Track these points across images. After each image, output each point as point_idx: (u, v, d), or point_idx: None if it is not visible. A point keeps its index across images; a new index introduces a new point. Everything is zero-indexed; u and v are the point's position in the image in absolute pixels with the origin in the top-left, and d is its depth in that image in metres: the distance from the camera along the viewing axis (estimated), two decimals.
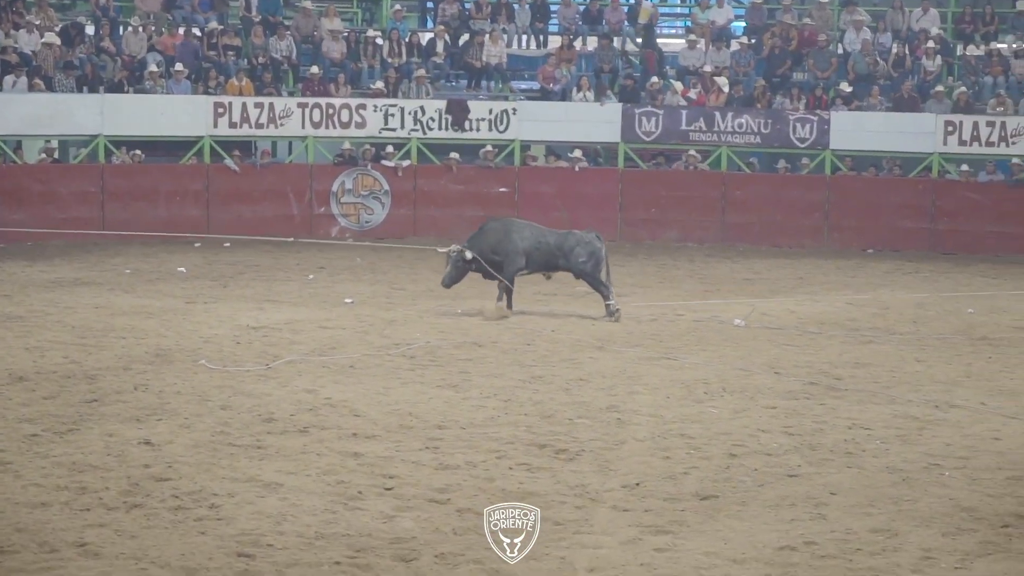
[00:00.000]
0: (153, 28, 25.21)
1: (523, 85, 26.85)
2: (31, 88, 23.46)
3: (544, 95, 25.74)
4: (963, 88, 24.95)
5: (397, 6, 26.32)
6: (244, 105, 24.33)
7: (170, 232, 23.61)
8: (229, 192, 24.35)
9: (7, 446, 10.51)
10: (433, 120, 24.94)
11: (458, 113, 24.96)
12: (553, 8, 27.11)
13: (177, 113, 24.18)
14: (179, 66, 24.38)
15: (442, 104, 25.00)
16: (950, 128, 24.42)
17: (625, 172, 25.26)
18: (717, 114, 24.92)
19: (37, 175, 23.60)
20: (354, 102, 24.81)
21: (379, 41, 25.77)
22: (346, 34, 25.97)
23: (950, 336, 16.35)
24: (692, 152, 25.06)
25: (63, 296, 17.88)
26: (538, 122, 25.15)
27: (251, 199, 24.40)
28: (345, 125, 24.80)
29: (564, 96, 25.51)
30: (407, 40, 25.87)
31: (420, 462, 10.32)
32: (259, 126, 24.51)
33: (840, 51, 26.18)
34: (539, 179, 25.21)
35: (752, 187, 25.11)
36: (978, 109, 24.77)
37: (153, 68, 24.22)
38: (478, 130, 25.03)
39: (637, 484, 9.89)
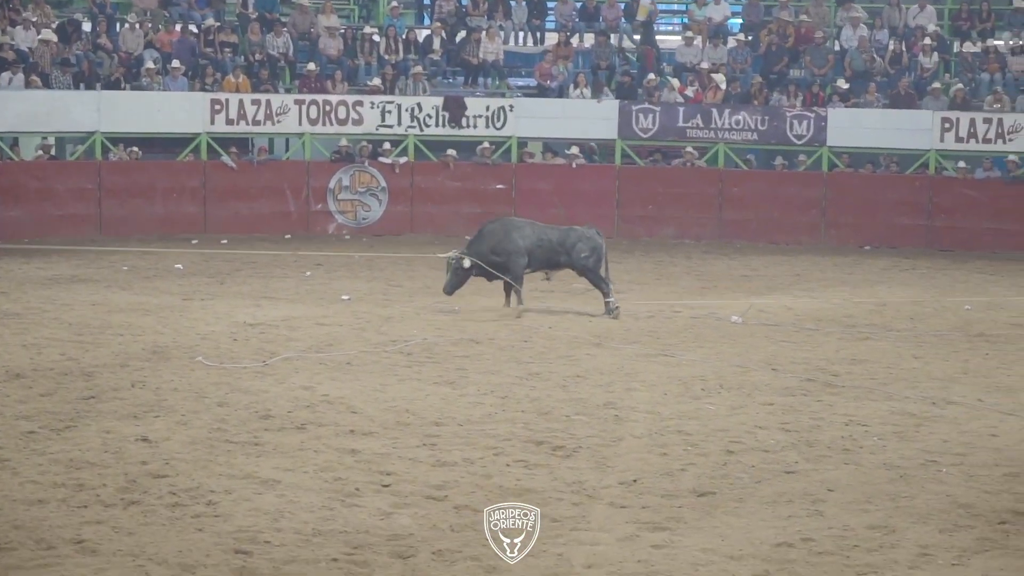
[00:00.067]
0: (150, 25, 25.18)
1: (520, 82, 26.83)
2: (28, 85, 23.43)
3: (541, 92, 25.72)
4: (960, 85, 24.95)
5: (394, 3, 26.30)
6: (241, 102, 24.32)
7: (167, 229, 23.66)
8: (226, 189, 24.35)
9: (4, 443, 10.50)
10: (430, 117, 24.92)
11: (455, 110, 24.95)
12: (550, 5, 27.10)
13: (174, 110, 24.16)
14: (176, 63, 24.37)
15: (439, 101, 24.99)
16: (947, 125, 24.42)
17: (622, 169, 25.26)
18: (714, 111, 24.91)
19: (34, 172, 23.58)
20: (351, 99, 24.80)
21: (376, 38, 25.75)
22: (343, 31, 25.96)
23: (947, 333, 16.36)
24: (689, 149, 25.07)
25: (60, 293, 17.88)
26: (535, 119, 25.14)
27: (248, 196, 24.41)
28: (342, 122, 24.78)
29: (561, 93, 25.50)
30: (404, 37, 25.85)
31: (417, 459, 10.32)
32: (256, 123, 24.50)
33: (837, 48, 26.17)
34: (536, 176, 25.20)
35: (749, 184, 25.11)
36: (975, 106, 24.76)
37: (150, 65, 24.21)
38: (475, 127, 25.02)
39: (634, 481, 9.89)
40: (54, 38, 24.01)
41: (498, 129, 25.05)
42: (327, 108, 24.68)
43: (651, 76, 25.35)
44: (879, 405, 12.40)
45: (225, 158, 24.40)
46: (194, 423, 11.23)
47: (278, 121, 24.58)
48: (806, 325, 16.64)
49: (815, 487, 9.79)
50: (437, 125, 24.98)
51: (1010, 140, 24.30)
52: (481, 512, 8.44)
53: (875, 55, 25.67)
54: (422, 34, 26.42)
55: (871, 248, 24.44)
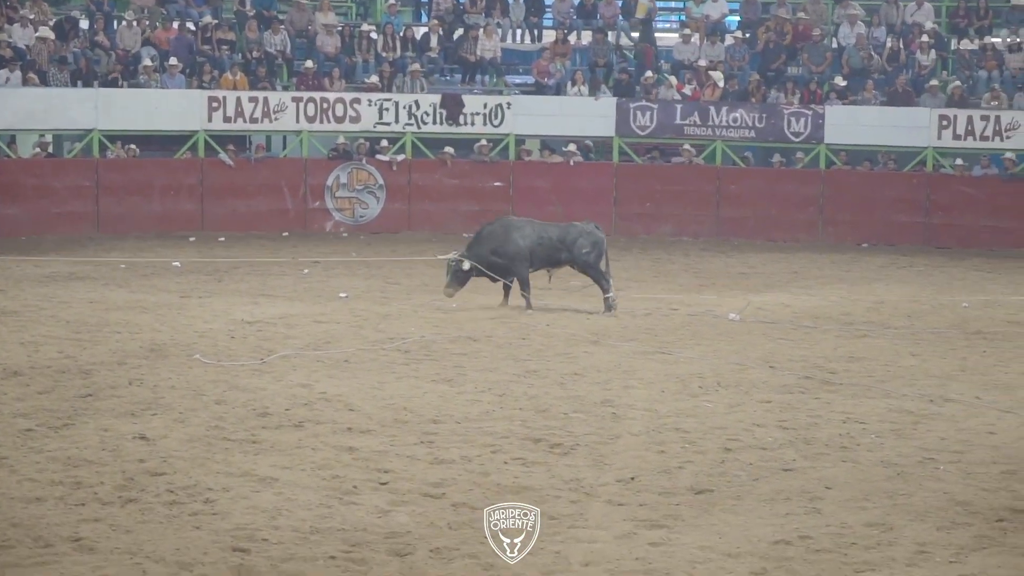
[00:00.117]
0: (147, 22, 25.17)
1: (518, 79, 26.82)
2: (25, 83, 23.42)
3: (539, 89, 25.71)
4: (957, 82, 24.94)
5: (391, 0, 26.30)
6: (238, 99, 24.31)
7: (164, 227, 23.66)
8: (223, 186, 24.34)
9: (2, 441, 10.50)
10: (428, 114, 24.91)
11: (452, 107, 24.94)
12: (548, 2, 27.07)
13: (171, 107, 24.16)
14: (173, 60, 24.36)
15: (437, 98, 24.98)
16: (944, 122, 24.41)
17: (620, 166, 25.25)
18: (712, 108, 24.90)
19: (31, 170, 23.57)
20: (348, 96, 24.79)
21: (373, 35, 25.74)
22: (340, 28, 25.94)
23: (945, 330, 16.37)
24: (687, 146, 25.07)
25: (57, 291, 17.87)
26: (533, 116, 25.13)
27: (245, 193, 24.41)
28: (340, 119, 24.77)
29: (559, 90, 25.49)
30: (401, 34, 25.84)
31: (415, 457, 10.32)
32: (253, 120, 24.49)
33: (834, 45, 26.15)
34: (534, 173, 25.18)
35: (747, 181, 25.11)
36: (972, 103, 24.76)
37: (147, 62, 24.20)
38: (473, 124, 25.00)
39: (632, 478, 9.89)
40: (51, 35, 24.01)
41: (496, 127, 25.04)
42: (325, 106, 24.67)
43: (649, 73, 25.34)
44: (877, 403, 12.40)
45: (223, 156, 24.40)
46: (192, 421, 11.23)
47: (275, 119, 24.57)
48: (804, 323, 16.65)
49: (813, 485, 9.79)
50: (435, 123, 24.96)
51: (1008, 137, 24.30)
52: (479, 510, 8.44)
53: (873, 52, 25.66)
54: (420, 31, 26.41)
55: (869, 245, 24.44)
